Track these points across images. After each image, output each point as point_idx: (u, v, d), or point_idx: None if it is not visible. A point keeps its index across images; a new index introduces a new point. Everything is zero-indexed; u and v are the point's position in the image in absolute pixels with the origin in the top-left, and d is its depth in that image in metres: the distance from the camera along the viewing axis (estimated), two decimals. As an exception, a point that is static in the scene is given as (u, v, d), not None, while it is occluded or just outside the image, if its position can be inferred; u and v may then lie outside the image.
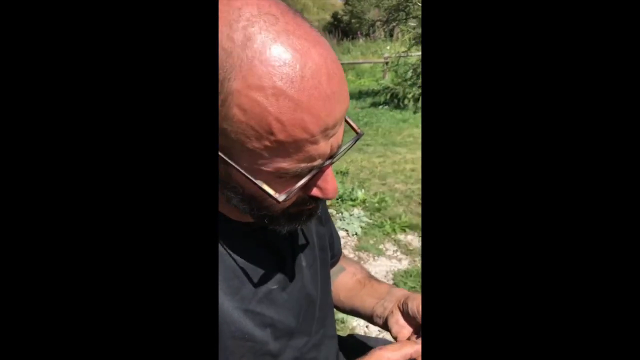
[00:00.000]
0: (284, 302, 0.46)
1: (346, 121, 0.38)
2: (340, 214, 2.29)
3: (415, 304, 0.49)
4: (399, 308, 0.52)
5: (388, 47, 8.76)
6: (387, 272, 1.77)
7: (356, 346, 0.67)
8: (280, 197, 0.33)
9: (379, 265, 1.82)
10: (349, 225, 2.15)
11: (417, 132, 4.06)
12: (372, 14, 11.32)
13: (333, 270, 0.62)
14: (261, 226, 0.42)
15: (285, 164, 0.32)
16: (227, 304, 0.41)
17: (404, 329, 0.51)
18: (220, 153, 0.32)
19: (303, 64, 0.28)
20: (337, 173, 2.93)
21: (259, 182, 0.33)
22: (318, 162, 0.33)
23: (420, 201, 2.42)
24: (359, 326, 1.47)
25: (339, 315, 1.48)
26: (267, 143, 0.30)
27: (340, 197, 2.47)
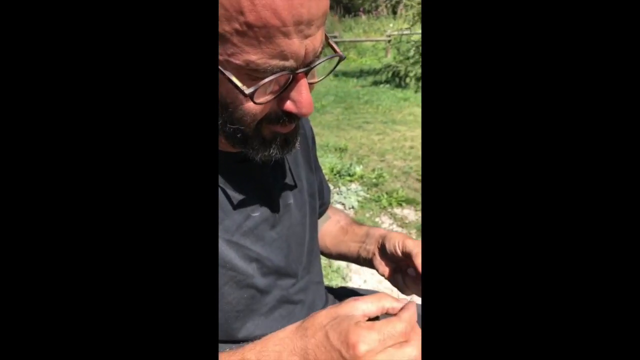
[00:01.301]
0: (272, 241, 0.47)
1: (329, 44, 0.37)
2: (337, 189, 2.30)
3: (392, 243, 0.52)
4: (378, 249, 0.55)
5: (391, 25, 8.56)
6: (382, 244, 1.80)
7: (348, 295, 0.69)
8: (248, 90, 0.32)
9: (374, 237, 1.86)
10: (345, 199, 2.17)
11: (418, 110, 4.03)
12: (376, -10, 11.02)
13: (320, 220, 0.64)
14: (247, 157, 0.42)
15: (255, 57, 0.31)
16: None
17: (388, 268, 0.54)
18: None
19: None
20: (335, 149, 2.93)
21: (227, 73, 0.32)
22: (291, 62, 0.32)
23: (419, 177, 2.44)
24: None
25: (336, 281, 1.51)
26: (237, 26, 0.29)
27: (338, 172, 2.48)
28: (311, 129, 0.59)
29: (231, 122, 0.36)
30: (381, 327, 0.33)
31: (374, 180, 2.38)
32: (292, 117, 0.37)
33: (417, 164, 2.64)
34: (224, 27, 0.30)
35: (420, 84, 4.92)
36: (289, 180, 0.50)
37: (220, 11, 0.29)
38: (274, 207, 0.47)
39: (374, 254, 0.55)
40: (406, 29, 5.64)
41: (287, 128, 0.38)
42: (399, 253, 0.51)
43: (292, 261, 0.51)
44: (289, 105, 0.36)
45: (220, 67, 0.32)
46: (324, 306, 0.60)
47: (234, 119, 0.36)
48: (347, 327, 0.33)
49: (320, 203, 0.61)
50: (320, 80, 0.37)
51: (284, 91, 0.35)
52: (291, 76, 0.33)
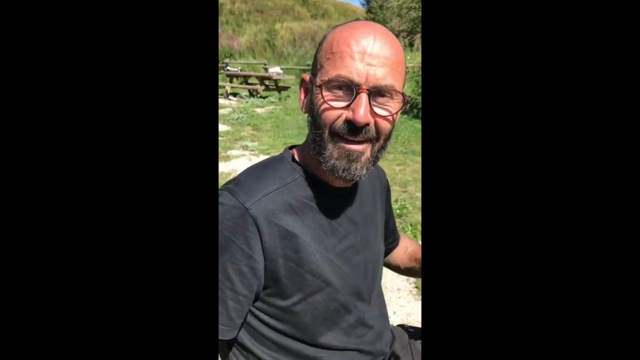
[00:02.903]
0: (357, 264, 0.57)
1: (403, 94, 0.50)
2: (362, 218, 2.35)
3: None
4: None
5: (408, 57, 8.83)
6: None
7: (404, 332, 0.74)
8: (326, 97, 0.48)
9: (401, 268, 1.90)
10: (371, 229, 2.22)
11: (436, 142, 4.13)
12: (393, 23, 11.41)
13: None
14: (346, 194, 0.54)
15: (332, 72, 0.48)
16: (312, 247, 0.52)
17: None
18: (311, 76, 0.51)
19: (366, 24, 0.49)
20: (358, 178, 3.01)
21: (320, 87, 0.48)
22: (353, 76, 0.47)
23: (441, 210, 2.49)
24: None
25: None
26: (329, 55, 0.48)
27: (363, 201, 2.54)
28: (387, 181, 0.71)
29: (316, 127, 0.51)
30: None
31: (398, 212, 2.44)
32: (352, 128, 0.48)
33: (439, 196, 2.69)
34: (322, 60, 0.50)
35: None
36: (370, 220, 0.61)
37: (323, 52, 0.50)
38: (359, 238, 0.58)
39: None
40: (425, 62, 5.81)
41: (351, 146, 0.49)
42: None
43: (367, 287, 0.60)
44: (349, 114, 0.48)
45: (316, 86, 0.50)
46: (389, 340, 0.65)
47: (317, 124, 0.50)
48: None
49: (392, 239, 0.76)
50: (387, 116, 0.49)
51: (351, 104, 0.48)
52: (355, 91, 0.47)
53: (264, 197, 0.50)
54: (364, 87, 0.46)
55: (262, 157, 3.64)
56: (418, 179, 3.05)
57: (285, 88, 7.44)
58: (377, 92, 0.47)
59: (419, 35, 6.46)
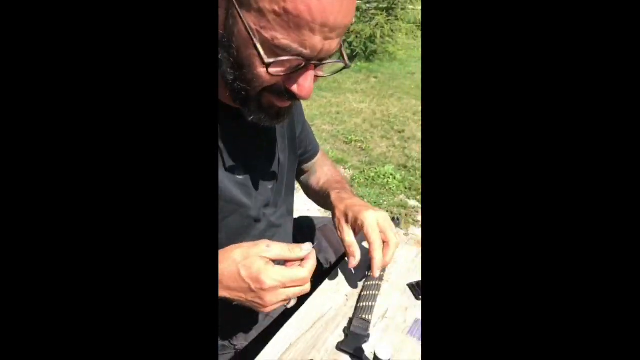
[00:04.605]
0: (264, 174, 0.60)
1: (341, 52, 0.45)
2: (273, 152, 2.45)
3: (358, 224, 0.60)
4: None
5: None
6: (318, 198, 2.05)
7: (303, 224, 0.88)
8: (267, 60, 0.38)
9: (311, 193, 2.09)
10: (282, 161, 2.34)
11: (341, 78, 4.27)
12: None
13: (311, 170, 0.81)
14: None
15: (281, 36, 0.37)
16: (221, 174, 0.51)
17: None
18: (234, 2, 0.37)
19: None
20: (267, 115, 3.04)
21: (255, 40, 0.38)
22: (307, 52, 0.38)
23: (346, 140, 2.71)
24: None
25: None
26: (276, 7, 0.36)
27: (273, 136, 2.62)
28: None
29: (241, 80, 0.42)
30: (285, 270, 0.44)
31: (306, 144, 2.59)
32: (291, 95, 0.43)
33: (343, 127, 2.90)
34: (264, 4, 0.36)
35: (347, 52, 5.13)
36: (274, 133, 0.62)
37: None
38: (264, 152, 0.60)
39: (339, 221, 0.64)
40: None
41: (283, 103, 0.45)
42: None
43: (274, 194, 0.65)
44: (293, 86, 0.42)
45: (250, 33, 0.38)
46: (292, 232, 0.78)
47: (244, 79, 0.42)
48: (257, 266, 0.43)
49: (304, 151, 0.76)
50: (324, 76, 0.45)
51: (294, 73, 0.41)
52: (304, 63, 0.40)
53: None
54: (314, 61, 0.40)
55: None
56: (325, 113, 3.20)
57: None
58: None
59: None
